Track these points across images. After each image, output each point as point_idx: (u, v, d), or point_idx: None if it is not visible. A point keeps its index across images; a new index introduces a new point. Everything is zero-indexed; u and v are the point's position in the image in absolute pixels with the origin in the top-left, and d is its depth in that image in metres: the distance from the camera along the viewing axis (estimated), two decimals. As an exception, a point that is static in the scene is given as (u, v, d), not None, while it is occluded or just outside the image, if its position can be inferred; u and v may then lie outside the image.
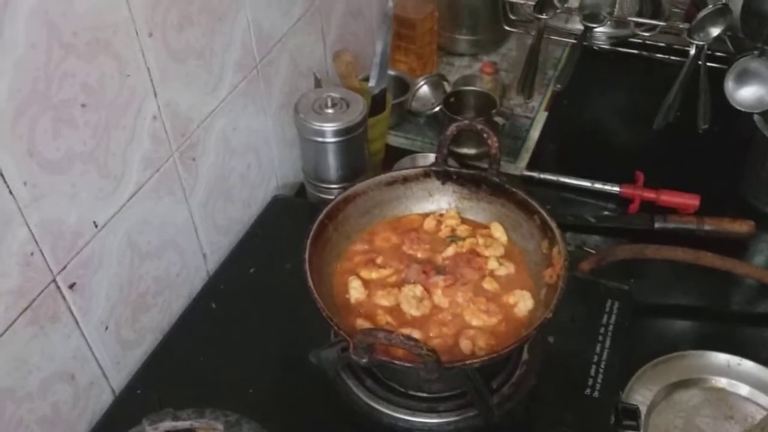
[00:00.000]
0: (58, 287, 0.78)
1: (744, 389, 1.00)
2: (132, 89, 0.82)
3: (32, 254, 0.74)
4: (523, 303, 0.85)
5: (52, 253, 0.76)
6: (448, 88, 1.42)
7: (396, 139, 1.39)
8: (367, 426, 0.85)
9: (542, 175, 1.30)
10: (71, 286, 0.80)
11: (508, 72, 1.54)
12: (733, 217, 1.18)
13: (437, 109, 1.38)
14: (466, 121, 0.93)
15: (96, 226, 0.82)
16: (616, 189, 1.26)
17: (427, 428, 0.85)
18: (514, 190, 0.93)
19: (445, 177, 0.96)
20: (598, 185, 1.27)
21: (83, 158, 0.77)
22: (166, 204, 0.93)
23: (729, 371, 1.01)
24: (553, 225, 0.87)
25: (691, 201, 1.22)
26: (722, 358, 1.02)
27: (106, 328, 0.87)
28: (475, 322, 0.84)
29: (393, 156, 1.30)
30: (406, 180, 0.96)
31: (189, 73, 0.91)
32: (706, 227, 1.18)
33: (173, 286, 0.98)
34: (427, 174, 0.96)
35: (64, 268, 0.79)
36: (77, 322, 0.82)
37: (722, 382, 1.01)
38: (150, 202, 0.90)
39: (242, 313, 0.99)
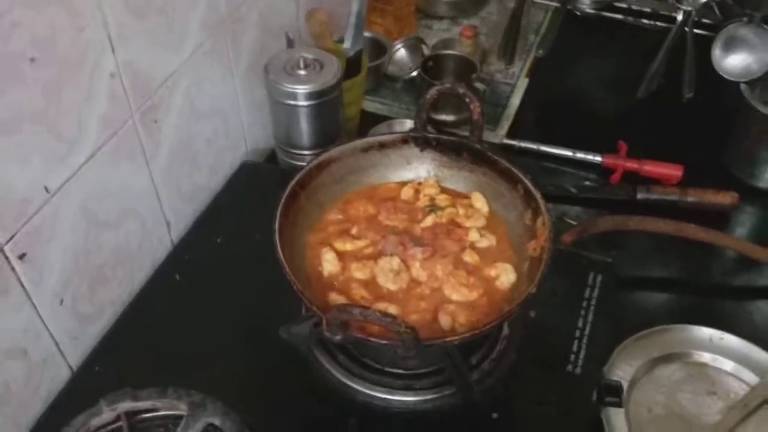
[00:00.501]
0: (6, 258, 0.73)
1: (727, 364, 0.97)
2: (86, 44, 0.75)
3: (-25, 222, 0.68)
4: (505, 276, 0.81)
5: (-2, 220, 0.71)
6: (427, 52, 1.36)
7: (372, 105, 1.33)
8: (341, 404, 0.82)
9: (522, 144, 1.26)
10: (21, 257, 0.74)
11: (488, 36, 1.49)
12: (717, 189, 1.16)
13: (415, 73, 1.33)
14: (448, 85, 0.88)
15: (48, 192, 0.76)
16: (598, 159, 1.23)
17: (404, 406, 0.81)
18: (496, 158, 0.89)
19: (424, 143, 0.92)
20: (579, 155, 1.24)
21: (33, 118, 0.71)
22: (126, 169, 0.87)
23: (711, 346, 0.99)
24: (538, 195, 0.83)
25: (674, 171, 1.19)
26: (704, 332, 0.99)
27: (61, 301, 0.82)
28: (455, 297, 0.80)
29: (369, 122, 1.25)
30: (382, 146, 0.91)
31: (150, 29, 0.84)
32: (689, 198, 1.16)
33: (134, 257, 0.93)
34: (405, 140, 0.91)
35: (13, 237, 0.73)
36: (28, 295, 0.77)
37: (705, 356, 0.98)
38: (108, 167, 0.84)
39: (208, 285, 0.94)
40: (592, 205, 1.18)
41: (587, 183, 1.22)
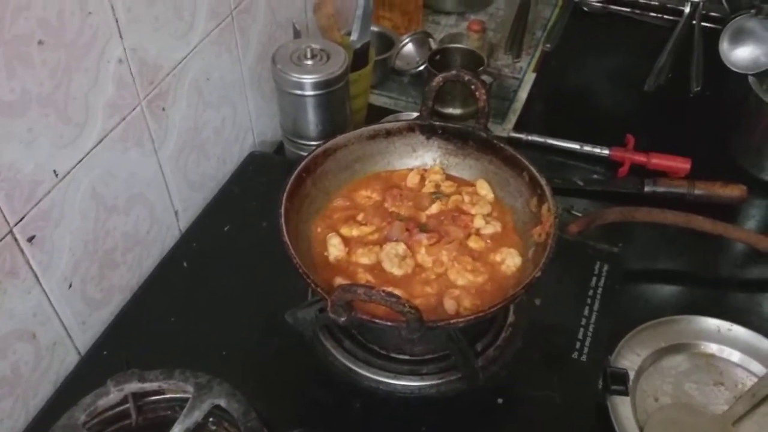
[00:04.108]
0: (16, 239, 0.73)
1: (734, 355, 0.97)
2: (94, 29, 0.76)
3: (-15, 203, 0.69)
4: (510, 260, 0.81)
5: (7, 202, 0.71)
6: (434, 46, 1.36)
7: (379, 99, 1.34)
8: (346, 389, 0.82)
9: (530, 137, 1.26)
10: (30, 239, 0.75)
11: (496, 32, 1.49)
12: (725, 182, 1.15)
13: (422, 67, 1.34)
14: (454, 72, 0.88)
15: (56, 176, 0.76)
16: (605, 152, 1.23)
17: (409, 391, 0.81)
18: (502, 145, 0.89)
19: (430, 131, 0.92)
20: (587, 148, 1.24)
21: (41, 101, 0.71)
22: (134, 155, 0.88)
23: (719, 337, 0.99)
24: (543, 182, 0.83)
25: (682, 164, 1.19)
26: (712, 323, 0.99)
27: (70, 285, 0.82)
28: (460, 282, 0.80)
29: (376, 115, 1.25)
30: (389, 134, 0.91)
31: (158, 16, 0.85)
32: (697, 191, 1.15)
33: (143, 243, 0.94)
34: (411, 128, 0.92)
35: (22, 219, 0.73)
36: (37, 278, 0.77)
37: (712, 347, 0.98)
38: (116, 153, 0.84)
39: (216, 272, 0.94)
40: (599, 198, 1.18)
41: (595, 176, 1.22)
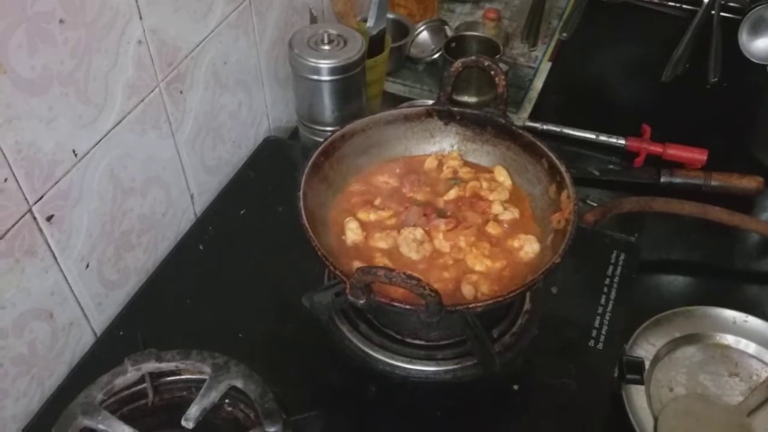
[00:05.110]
0: (35, 218, 0.73)
1: (750, 346, 0.97)
2: (115, 9, 0.75)
3: (6, 180, 0.69)
4: (529, 246, 0.81)
5: (27, 180, 0.71)
6: (450, 34, 1.36)
7: (393, 86, 1.33)
8: (361, 373, 0.81)
9: (545, 127, 1.25)
10: (49, 218, 0.75)
11: (511, 21, 1.48)
12: (741, 173, 1.15)
13: (437, 54, 1.33)
14: (473, 57, 0.87)
15: (76, 156, 0.76)
16: (621, 142, 1.22)
17: (424, 376, 0.81)
18: (521, 132, 0.88)
19: (448, 117, 0.91)
20: (603, 138, 1.23)
21: (62, 79, 0.71)
22: (152, 138, 0.87)
23: (735, 328, 0.98)
24: (563, 168, 0.83)
25: (699, 155, 1.18)
26: (728, 314, 0.99)
27: (87, 265, 0.82)
28: (478, 267, 0.80)
29: (390, 103, 1.25)
30: (407, 119, 0.91)
31: (177, -3, 0.85)
32: (713, 183, 1.15)
33: (159, 225, 0.93)
34: (429, 113, 0.91)
35: (41, 198, 0.73)
36: (55, 257, 0.77)
37: (727, 338, 0.98)
38: (134, 135, 0.84)
39: (231, 255, 0.94)
40: (615, 188, 1.17)
41: (610, 166, 1.21)
